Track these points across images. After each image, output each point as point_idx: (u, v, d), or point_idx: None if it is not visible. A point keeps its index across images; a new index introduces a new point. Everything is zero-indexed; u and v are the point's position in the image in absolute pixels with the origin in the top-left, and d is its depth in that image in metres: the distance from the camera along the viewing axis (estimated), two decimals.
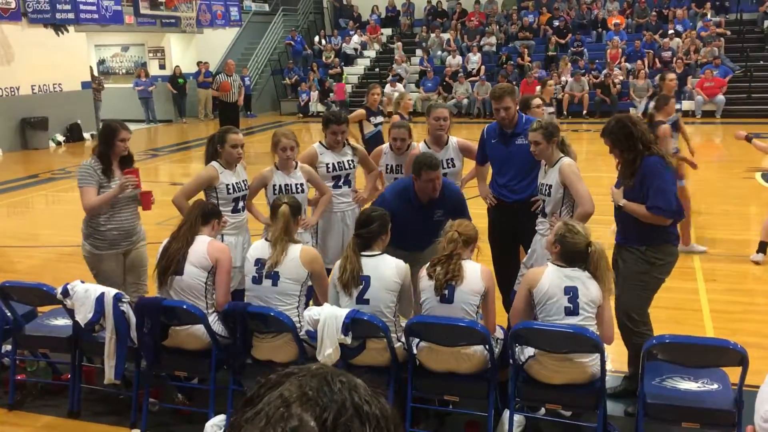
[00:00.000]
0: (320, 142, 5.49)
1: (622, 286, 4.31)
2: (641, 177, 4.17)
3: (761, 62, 19.42)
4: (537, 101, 6.36)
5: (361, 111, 8.55)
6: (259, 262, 4.21)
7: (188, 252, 4.27)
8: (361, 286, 4.03)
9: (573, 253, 3.83)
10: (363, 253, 4.07)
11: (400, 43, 22.81)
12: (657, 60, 19.71)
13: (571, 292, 3.80)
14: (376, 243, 4.13)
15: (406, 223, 4.57)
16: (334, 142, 5.38)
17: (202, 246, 4.30)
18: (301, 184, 5.09)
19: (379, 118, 8.53)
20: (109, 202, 4.82)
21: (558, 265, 3.88)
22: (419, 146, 5.49)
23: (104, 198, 4.80)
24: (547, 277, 3.85)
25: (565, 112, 18.91)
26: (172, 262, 4.26)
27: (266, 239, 4.29)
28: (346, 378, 0.92)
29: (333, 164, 5.37)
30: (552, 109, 8.88)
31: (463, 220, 4.24)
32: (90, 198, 4.80)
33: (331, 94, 21.60)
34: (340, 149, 5.42)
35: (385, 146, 5.64)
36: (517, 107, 5.17)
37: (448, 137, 5.48)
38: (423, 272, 4.07)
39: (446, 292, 3.94)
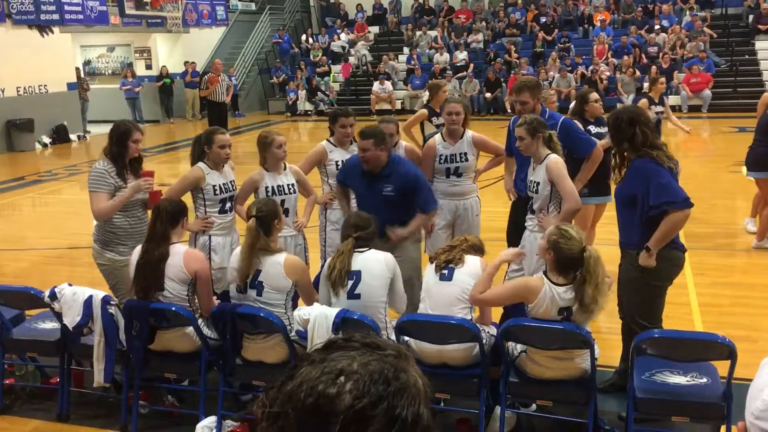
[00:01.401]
0: (327, 139, 5.45)
1: (624, 292, 4.32)
2: (631, 177, 4.13)
3: (746, 56, 19.54)
4: (595, 95, 6.26)
5: (423, 111, 7.93)
6: None
7: (165, 267, 4.15)
8: (351, 282, 4.04)
9: (568, 259, 3.63)
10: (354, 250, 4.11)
11: (362, 42, 22.84)
12: (643, 55, 19.80)
13: (565, 312, 3.73)
14: (371, 243, 4.18)
15: (356, 191, 4.91)
16: (344, 137, 5.34)
17: (177, 259, 4.17)
18: (292, 185, 5.05)
19: (442, 119, 7.83)
20: (120, 207, 4.62)
21: (552, 282, 3.72)
22: (436, 139, 5.57)
23: (116, 203, 4.60)
24: (544, 298, 3.71)
25: None
26: (150, 280, 4.13)
27: None
28: (406, 377, 1.02)
29: (343, 161, 5.31)
30: (660, 108, 8.21)
31: (476, 237, 4.42)
32: (100, 203, 4.58)
33: (319, 93, 21.56)
34: (348, 146, 5.40)
35: None
36: (537, 102, 5.19)
37: (465, 131, 5.49)
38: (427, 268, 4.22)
39: (446, 271, 4.03)
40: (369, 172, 4.78)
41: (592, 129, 6.06)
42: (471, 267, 4.05)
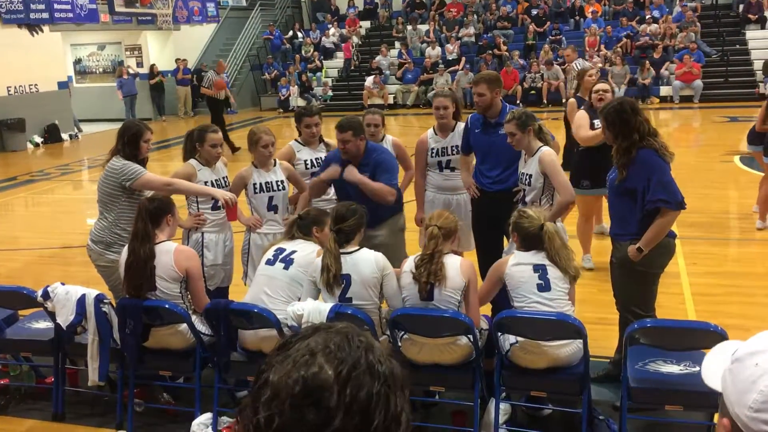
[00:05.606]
0: (296, 139, 5.47)
1: (618, 282, 4.33)
2: (636, 169, 4.06)
3: (737, 46, 19.57)
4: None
5: (571, 101, 7.27)
6: (280, 249, 4.18)
7: (154, 266, 4.11)
8: (342, 285, 3.97)
9: (529, 235, 3.91)
10: (342, 251, 3.98)
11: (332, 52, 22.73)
12: (634, 46, 19.81)
13: (540, 270, 3.87)
14: (356, 237, 4.08)
15: (336, 181, 4.90)
16: (309, 136, 5.36)
17: (167, 258, 4.15)
18: (282, 181, 5.02)
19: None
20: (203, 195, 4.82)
21: (523, 251, 3.97)
22: (428, 133, 5.50)
23: (201, 190, 4.78)
24: (514, 261, 3.93)
25: (545, 101, 18.99)
26: (140, 280, 4.09)
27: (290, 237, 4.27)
28: (365, 338, 1.07)
29: (311, 160, 5.34)
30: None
31: (443, 212, 4.15)
32: (156, 177, 4.73)
33: (312, 90, 21.52)
34: (316, 145, 5.40)
35: None
36: (495, 95, 5.16)
37: (456, 123, 5.45)
38: (405, 266, 4.04)
39: (426, 292, 3.92)
40: (348, 162, 4.81)
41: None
42: (452, 280, 3.89)
